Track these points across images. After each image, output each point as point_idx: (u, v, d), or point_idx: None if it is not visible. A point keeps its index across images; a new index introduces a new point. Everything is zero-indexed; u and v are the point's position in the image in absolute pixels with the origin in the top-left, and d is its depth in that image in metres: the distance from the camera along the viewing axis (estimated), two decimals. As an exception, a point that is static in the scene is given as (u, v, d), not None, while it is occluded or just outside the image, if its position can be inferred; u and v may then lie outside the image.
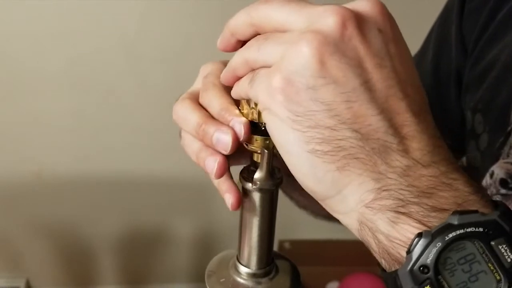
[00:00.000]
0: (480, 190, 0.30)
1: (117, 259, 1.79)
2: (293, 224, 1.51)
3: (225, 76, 0.36)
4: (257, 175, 0.37)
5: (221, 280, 0.41)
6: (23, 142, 1.57)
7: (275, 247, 0.42)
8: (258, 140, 0.36)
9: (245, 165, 0.40)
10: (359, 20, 0.29)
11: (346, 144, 0.29)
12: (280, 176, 0.38)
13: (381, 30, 0.30)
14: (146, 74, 1.53)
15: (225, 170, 0.36)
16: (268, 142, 0.36)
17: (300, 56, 0.29)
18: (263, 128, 0.36)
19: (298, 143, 0.30)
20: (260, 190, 0.38)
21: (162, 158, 1.64)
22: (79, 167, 1.62)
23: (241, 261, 0.41)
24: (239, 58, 0.34)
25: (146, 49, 1.50)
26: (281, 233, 1.70)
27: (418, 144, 0.29)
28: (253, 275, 0.40)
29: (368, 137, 0.29)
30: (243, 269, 0.41)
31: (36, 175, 1.60)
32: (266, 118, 0.32)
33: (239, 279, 0.41)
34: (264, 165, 0.36)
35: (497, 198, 0.50)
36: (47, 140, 1.57)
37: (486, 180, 0.51)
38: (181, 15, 1.47)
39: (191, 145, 0.38)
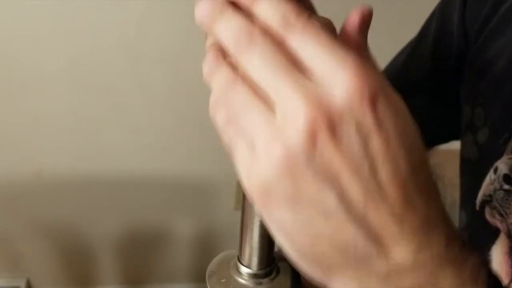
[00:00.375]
0: (471, 278, 0.28)
1: (117, 259, 1.79)
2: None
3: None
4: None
5: (222, 280, 0.41)
6: (23, 142, 1.57)
7: (275, 246, 0.42)
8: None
9: None
10: (331, 123, 0.25)
11: (325, 258, 0.28)
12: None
13: (359, 124, 0.25)
14: (146, 74, 1.53)
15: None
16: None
17: (269, 169, 0.26)
18: None
19: (283, 243, 0.29)
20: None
21: (162, 158, 1.64)
22: (79, 167, 1.62)
23: (242, 262, 0.41)
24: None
25: (146, 49, 1.50)
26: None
27: (400, 247, 0.27)
28: (254, 276, 0.40)
29: (347, 249, 0.27)
30: (244, 270, 0.41)
31: (36, 175, 1.60)
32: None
33: (240, 280, 0.41)
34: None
35: (500, 193, 0.50)
36: (47, 140, 1.57)
37: (490, 176, 0.52)
38: (181, 15, 1.47)
39: None
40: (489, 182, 0.52)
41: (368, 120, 0.26)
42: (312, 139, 0.25)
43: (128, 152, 1.62)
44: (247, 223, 0.40)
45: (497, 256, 0.52)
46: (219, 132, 0.29)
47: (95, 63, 1.49)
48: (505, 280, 0.51)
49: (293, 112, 0.25)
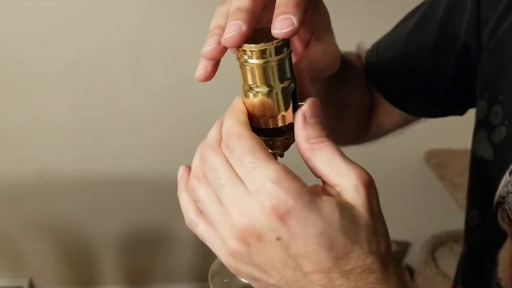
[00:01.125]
0: None
1: (119, 259, 1.79)
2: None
3: None
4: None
5: (225, 280, 0.41)
6: (24, 142, 1.57)
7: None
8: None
9: None
10: (256, 238, 0.34)
11: None
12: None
13: (279, 237, 0.34)
14: (147, 75, 1.53)
15: (220, 55, 0.36)
16: (271, 143, 0.36)
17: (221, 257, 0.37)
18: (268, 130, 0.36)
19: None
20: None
21: (163, 158, 1.64)
22: (80, 167, 1.62)
23: (244, 262, 0.41)
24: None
25: (147, 49, 1.50)
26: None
27: None
28: (256, 276, 0.40)
29: None
30: (246, 270, 0.41)
31: (38, 175, 1.60)
32: None
33: (242, 280, 0.41)
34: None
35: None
36: (48, 140, 1.57)
37: (506, 178, 0.51)
38: (182, 15, 1.47)
39: (218, 18, 0.38)
40: (504, 184, 0.51)
41: (284, 233, 0.33)
42: (244, 243, 0.35)
43: (130, 152, 1.62)
44: (249, 223, 0.40)
45: (503, 261, 0.51)
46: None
47: (97, 64, 1.50)
48: (509, 285, 0.51)
49: (232, 225, 0.35)
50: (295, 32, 0.34)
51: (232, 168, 0.35)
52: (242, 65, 0.35)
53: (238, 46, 0.34)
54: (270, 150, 0.36)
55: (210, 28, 0.38)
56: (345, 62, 0.59)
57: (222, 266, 0.42)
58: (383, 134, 0.71)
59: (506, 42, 0.53)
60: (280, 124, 0.36)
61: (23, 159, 1.59)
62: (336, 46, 0.43)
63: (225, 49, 0.36)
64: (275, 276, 0.35)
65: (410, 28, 0.64)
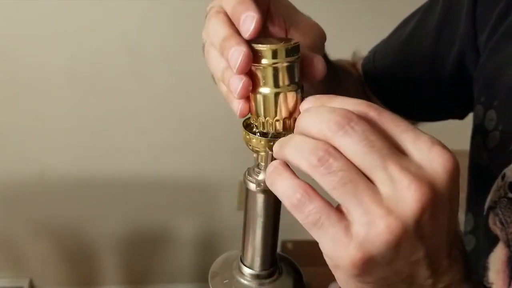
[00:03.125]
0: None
1: (120, 259, 1.79)
2: (296, 225, 1.51)
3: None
4: (261, 176, 0.37)
5: (225, 281, 0.41)
6: (25, 142, 1.57)
7: (278, 248, 0.42)
8: (262, 141, 0.36)
9: (249, 167, 0.40)
10: (435, 201, 0.30)
11: None
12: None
13: (451, 198, 0.31)
14: (148, 74, 1.54)
15: (248, 91, 0.36)
16: (272, 143, 0.36)
17: (384, 239, 0.30)
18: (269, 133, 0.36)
19: None
20: (264, 191, 0.38)
21: (165, 158, 1.64)
22: (81, 168, 1.62)
23: (245, 262, 0.41)
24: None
25: (148, 49, 1.50)
26: (283, 234, 1.69)
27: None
28: (256, 277, 0.40)
29: None
30: (246, 270, 0.41)
31: (38, 176, 1.60)
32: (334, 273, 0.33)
33: (242, 280, 0.41)
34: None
35: (504, 201, 0.50)
36: (49, 141, 1.57)
37: (498, 182, 0.51)
38: (183, 15, 1.47)
39: (217, 63, 0.38)
40: (496, 189, 0.51)
41: (451, 193, 0.30)
42: (421, 213, 0.29)
43: (131, 153, 1.62)
44: (250, 224, 0.40)
45: (494, 264, 0.51)
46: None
47: (98, 64, 1.50)
48: None
49: (404, 191, 0.29)
50: (260, 22, 0.35)
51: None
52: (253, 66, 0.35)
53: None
54: (269, 151, 0.36)
55: (216, 74, 0.38)
56: (336, 65, 0.60)
57: (222, 267, 0.42)
58: None
59: (502, 46, 0.53)
60: (287, 126, 0.36)
61: (24, 159, 1.59)
62: (311, 21, 0.43)
63: (248, 87, 0.36)
64: (424, 250, 0.31)
65: (406, 35, 0.65)
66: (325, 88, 0.52)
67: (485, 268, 0.52)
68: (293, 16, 0.42)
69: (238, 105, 0.37)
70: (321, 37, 0.43)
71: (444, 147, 0.30)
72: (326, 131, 0.31)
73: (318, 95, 0.34)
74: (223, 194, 1.69)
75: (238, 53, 0.34)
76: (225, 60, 0.36)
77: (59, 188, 1.63)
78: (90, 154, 1.61)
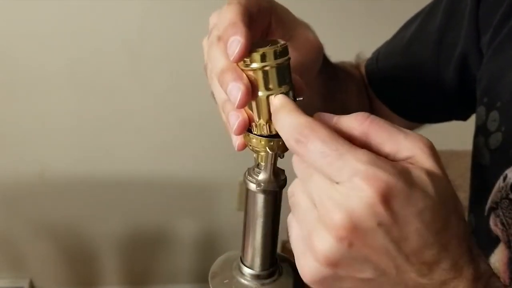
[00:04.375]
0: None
1: (120, 260, 1.79)
2: (296, 225, 1.51)
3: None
4: (261, 176, 0.37)
5: (225, 281, 0.41)
6: (25, 143, 1.57)
7: (278, 248, 0.42)
8: (262, 141, 0.36)
9: (249, 167, 0.40)
10: (356, 233, 0.31)
11: None
12: (284, 177, 0.38)
13: (380, 223, 0.30)
14: (148, 75, 1.54)
15: (245, 129, 0.37)
16: (272, 143, 0.36)
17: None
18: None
19: None
20: (264, 191, 0.38)
21: (165, 159, 1.64)
22: (81, 168, 1.62)
23: (245, 263, 0.41)
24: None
25: (148, 49, 1.50)
26: (284, 234, 1.69)
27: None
28: (256, 277, 0.40)
29: None
30: (246, 271, 0.41)
31: (39, 176, 1.60)
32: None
33: (242, 281, 0.41)
34: (268, 166, 0.37)
35: (506, 202, 0.50)
36: (49, 141, 1.57)
37: (499, 183, 0.51)
38: (183, 15, 1.47)
39: (218, 93, 0.39)
40: (497, 190, 0.51)
41: (387, 217, 0.30)
42: (346, 244, 0.31)
43: (131, 153, 1.62)
44: (250, 224, 0.40)
45: (495, 266, 0.51)
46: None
47: (98, 64, 1.50)
48: None
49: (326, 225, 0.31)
50: (245, 46, 0.35)
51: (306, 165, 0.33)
52: (244, 70, 0.36)
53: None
54: (270, 151, 0.36)
55: (218, 103, 0.39)
56: (336, 66, 0.60)
57: (222, 267, 0.42)
58: None
59: (505, 47, 0.53)
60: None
61: (24, 159, 1.59)
62: (310, 35, 0.44)
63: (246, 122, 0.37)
64: (372, 269, 0.32)
65: (409, 37, 0.65)
66: (321, 88, 0.52)
67: None
68: (291, 31, 0.43)
69: (236, 140, 0.38)
70: (317, 51, 0.44)
71: (365, 178, 0.30)
72: None
73: None
74: (223, 194, 1.69)
75: (236, 90, 0.35)
76: (225, 93, 0.36)
77: (59, 188, 1.63)
78: (90, 154, 1.61)
